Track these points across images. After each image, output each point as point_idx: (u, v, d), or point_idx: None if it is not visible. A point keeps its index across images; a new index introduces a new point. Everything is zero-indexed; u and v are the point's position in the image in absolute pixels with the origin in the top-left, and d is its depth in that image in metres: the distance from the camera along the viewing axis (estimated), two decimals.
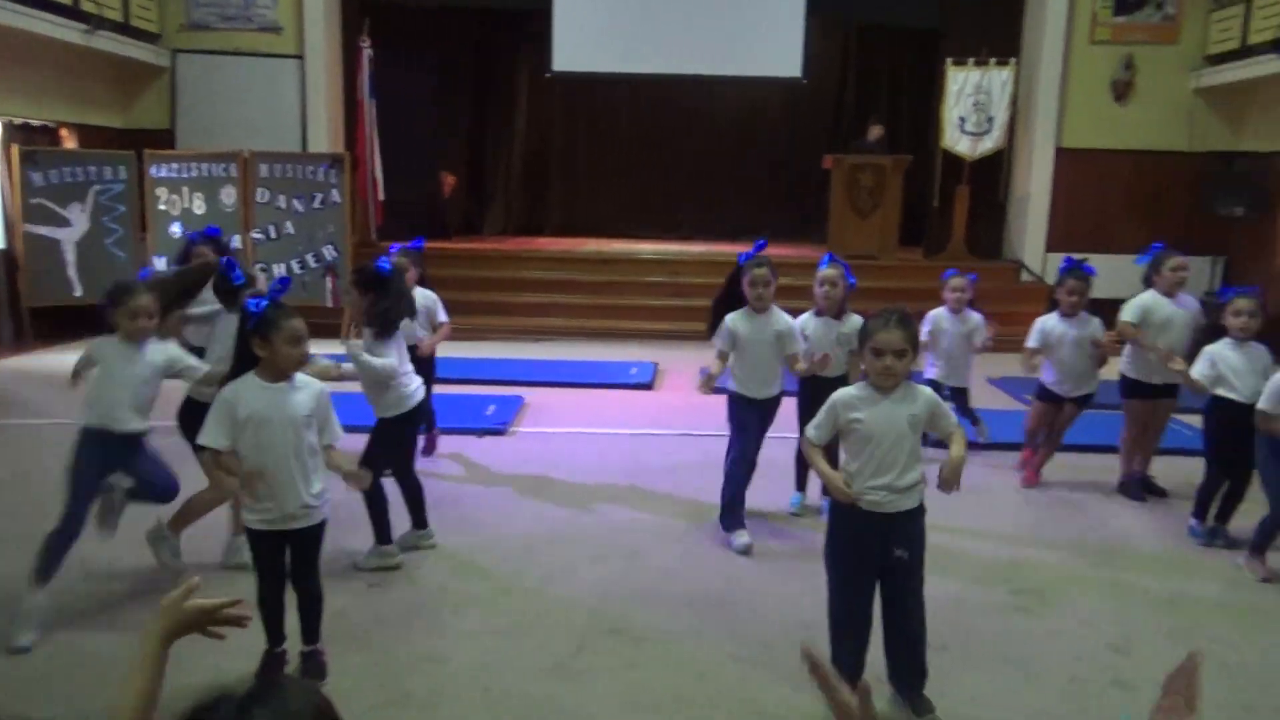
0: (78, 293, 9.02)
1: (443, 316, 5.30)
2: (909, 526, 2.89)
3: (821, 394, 4.22)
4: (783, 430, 4.49)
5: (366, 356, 3.86)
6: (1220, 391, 4.33)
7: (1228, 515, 4.47)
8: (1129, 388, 5.03)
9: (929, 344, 5.49)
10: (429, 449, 5.45)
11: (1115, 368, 5.11)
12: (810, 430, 3.02)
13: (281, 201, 9.33)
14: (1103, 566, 4.18)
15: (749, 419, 4.33)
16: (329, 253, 9.37)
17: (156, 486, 3.63)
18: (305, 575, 3.15)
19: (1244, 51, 9.44)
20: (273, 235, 9.36)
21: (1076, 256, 5.20)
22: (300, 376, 3.07)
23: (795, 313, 4.56)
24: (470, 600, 3.73)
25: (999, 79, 10.33)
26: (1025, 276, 10.56)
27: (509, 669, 3.21)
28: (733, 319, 4.29)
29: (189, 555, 3.80)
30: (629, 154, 13.18)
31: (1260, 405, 3.99)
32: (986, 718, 2.98)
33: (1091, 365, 4.99)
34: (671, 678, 3.17)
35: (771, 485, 4.73)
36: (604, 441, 5.98)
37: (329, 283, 9.33)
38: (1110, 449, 5.37)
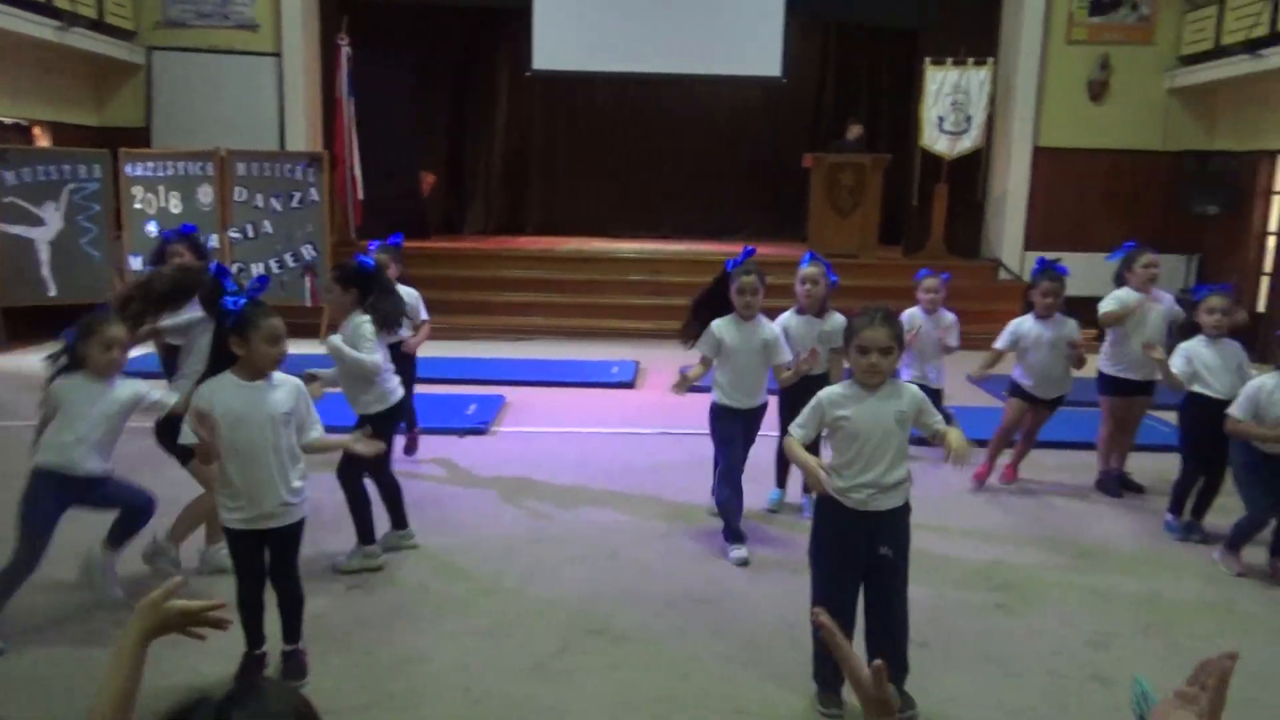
0: (52, 292, 8.90)
1: (424, 315, 5.27)
2: (894, 524, 2.91)
3: (804, 392, 4.24)
4: (764, 428, 4.49)
5: (350, 349, 3.82)
6: (1195, 388, 4.39)
7: (1203, 511, 4.53)
8: (1107, 385, 5.08)
9: (908, 344, 5.49)
10: (410, 448, 5.42)
11: (1093, 365, 5.16)
12: (794, 429, 3.02)
13: (259, 200, 9.25)
14: (1081, 563, 4.22)
15: (733, 430, 4.21)
16: (308, 252, 9.29)
17: (131, 509, 3.47)
18: (285, 574, 3.14)
19: (1217, 52, 9.55)
20: (250, 234, 9.27)
21: (1050, 256, 5.16)
22: (278, 374, 3.04)
23: (777, 311, 4.56)
24: (451, 601, 3.72)
25: (977, 78, 10.40)
26: (1003, 275, 10.65)
27: (490, 669, 3.20)
28: (719, 326, 4.19)
29: (187, 560, 3.78)
30: (609, 153, 13.16)
31: (1230, 410, 4.04)
32: (967, 714, 3.00)
33: (1067, 368, 4.95)
34: (654, 677, 3.17)
35: (751, 484, 4.71)
36: (585, 440, 5.98)
37: (307, 282, 9.26)
38: (1087, 446, 5.42)
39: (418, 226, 11.02)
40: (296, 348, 3.33)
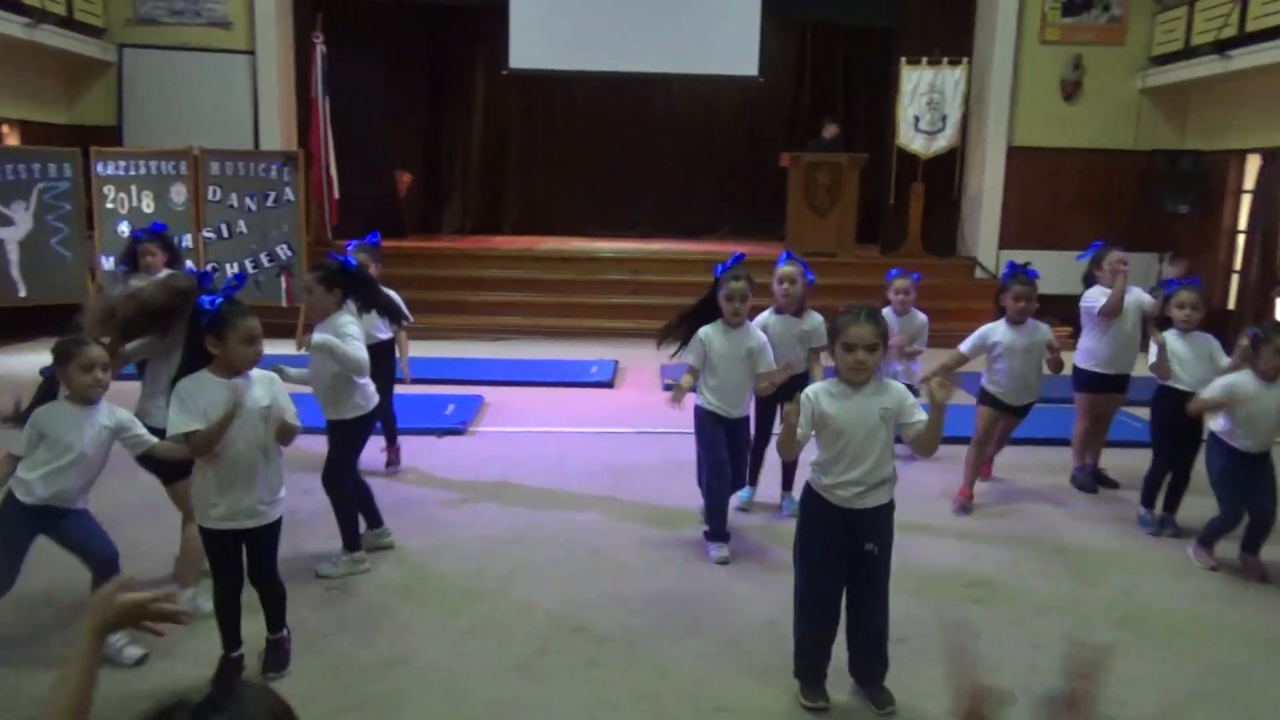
0: (22, 293, 8.78)
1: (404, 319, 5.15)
2: (879, 521, 2.93)
3: (780, 392, 4.26)
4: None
5: (341, 344, 3.69)
6: (1169, 381, 4.46)
7: (1175, 505, 4.59)
8: (1083, 381, 5.12)
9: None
10: (391, 462, 5.26)
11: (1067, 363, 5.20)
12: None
13: (234, 200, 9.16)
14: (1056, 558, 4.27)
15: (718, 434, 4.14)
16: (283, 252, 9.22)
17: (93, 557, 3.17)
18: (265, 575, 3.13)
19: (1187, 52, 9.67)
20: (225, 234, 9.18)
21: (1020, 259, 4.98)
22: (254, 370, 3.02)
23: (755, 311, 4.55)
24: (431, 602, 3.70)
25: (952, 78, 10.48)
26: (979, 273, 10.73)
27: (471, 670, 3.18)
28: (707, 333, 4.10)
29: (159, 569, 3.73)
30: (587, 152, 13.15)
31: (1202, 393, 4.10)
32: (946, 708, 3.01)
33: (1040, 374, 4.79)
34: (634, 676, 3.17)
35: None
36: (565, 440, 5.97)
37: (283, 282, 9.18)
38: (1061, 442, 5.48)
39: (394, 226, 10.96)
40: (272, 348, 3.29)
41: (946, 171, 10.88)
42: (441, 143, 13.27)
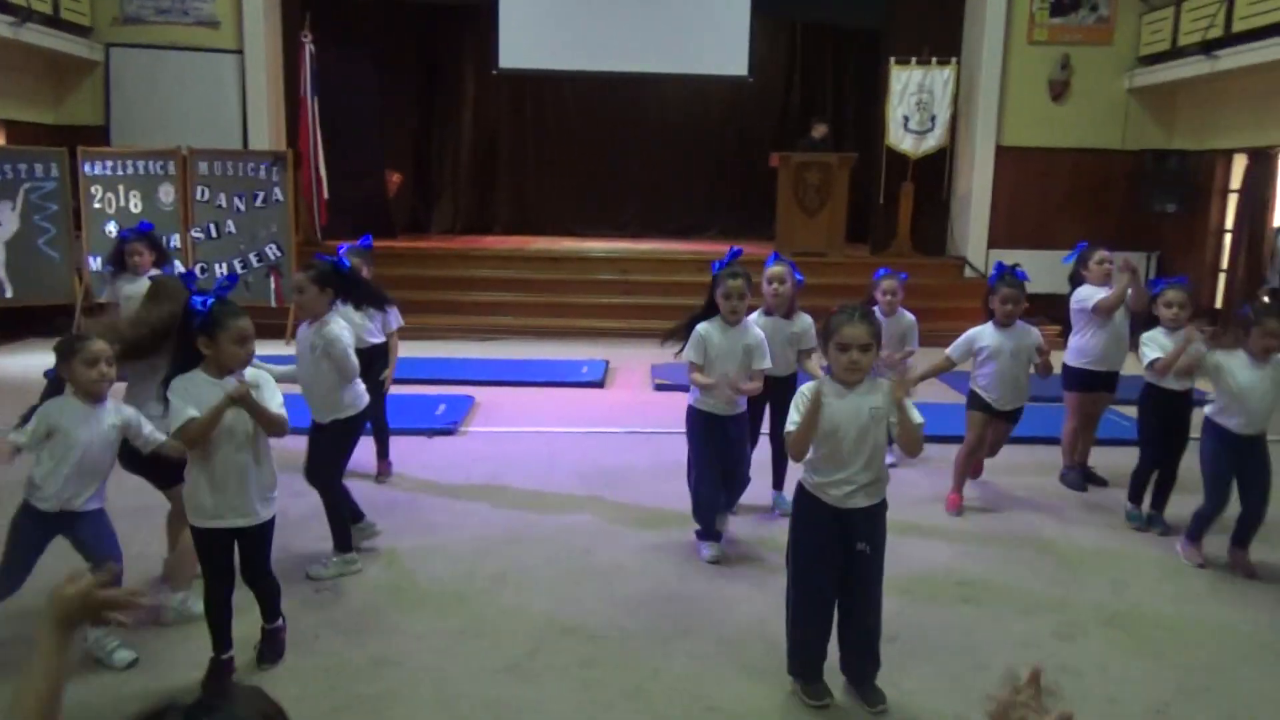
0: (9, 294, 8.75)
1: (395, 323, 5.01)
2: (872, 521, 2.93)
3: (770, 393, 4.26)
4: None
5: (341, 346, 3.72)
6: (1151, 379, 4.49)
7: (1163, 503, 4.62)
8: (1073, 379, 5.14)
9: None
10: (382, 474, 5.17)
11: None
12: (792, 426, 2.90)
13: (222, 200, 9.13)
14: (1045, 556, 4.28)
15: (708, 436, 4.08)
16: (272, 252, 9.19)
17: (95, 561, 3.11)
18: (260, 575, 3.13)
19: (1174, 53, 9.73)
20: (213, 234, 9.15)
21: (1009, 261, 4.91)
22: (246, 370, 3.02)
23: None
24: (422, 602, 3.69)
25: (941, 78, 10.52)
26: (968, 273, 10.77)
27: (463, 670, 3.18)
28: (706, 329, 4.03)
29: (152, 569, 3.70)
30: (577, 152, 13.14)
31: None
32: (937, 706, 3.03)
33: (1028, 378, 4.72)
34: (626, 676, 3.17)
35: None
36: (556, 440, 5.96)
37: (272, 282, 9.16)
38: (1050, 441, 5.50)
39: (384, 226, 10.95)
40: (261, 349, 3.28)
41: (936, 171, 10.92)
42: (431, 142, 13.24)
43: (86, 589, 1.47)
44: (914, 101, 10.57)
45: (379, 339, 4.88)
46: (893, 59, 10.60)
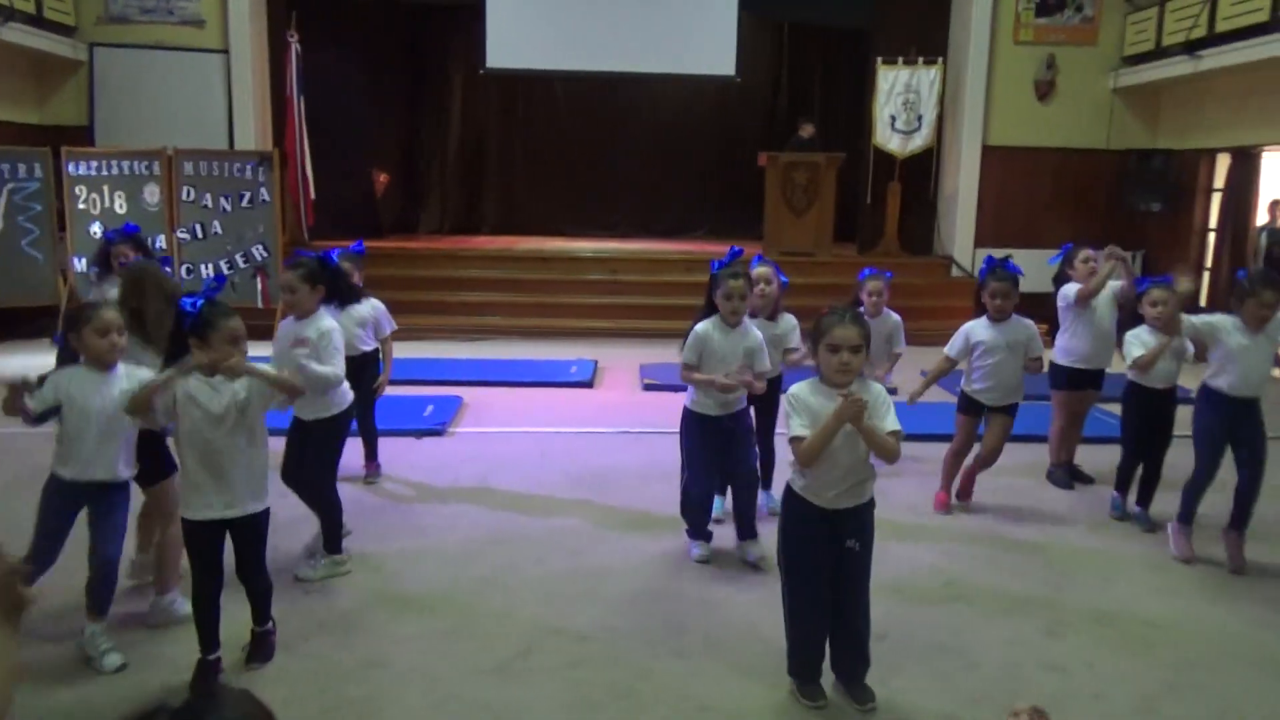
0: None
1: (388, 328, 4.95)
2: (860, 519, 2.94)
3: (755, 394, 4.24)
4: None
5: (315, 366, 3.68)
6: (1135, 378, 4.53)
7: (1148, 500, 4.65)
8: (1060, 377, 5.17)
9: None
10: (371, 474, 5.15)
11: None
12: (798, 430, 2.86)
13: (208, 200, 9.09)
14: (1033, 554, 4.30)
15: (703, 440, 3.99)
16: (258, 252, 9.15)
17: (95, 550, 3.15)
18: (253, 571, 3.12)
19: (1158, 53, 9.80)
20: (199, 235, 9.11)
21: (999, 254, 4.82)
22: None
23: None
24: (411, 604, 3.68)
25: (927, 78, 10.56)
26: (955, 272, 10.82)
27: (451, 671, 3.17)
28: (706, 329, 3.92)
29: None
30: (565, 151, 13.13)
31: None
32: (926, 703, 3.04)
33: (1022, 375, 4.64)
34: (616, 675, 3.17)
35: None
36: (544, 440, 5.95)
37: (259, 283, 9.11)
38: (1037, 439, 5.52)
39: (371, 226, 10.92)
40: (250, 349, 3.26)
41: (923, 171, 10.96)
42: (419, 142, 13.19)
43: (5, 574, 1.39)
44: (901, 101, 10.60)
45: (370, 346, 4.85)
46: (880, 59, 10.64)
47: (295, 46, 10.04)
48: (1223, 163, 9.65)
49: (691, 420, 4.05)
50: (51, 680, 3.05)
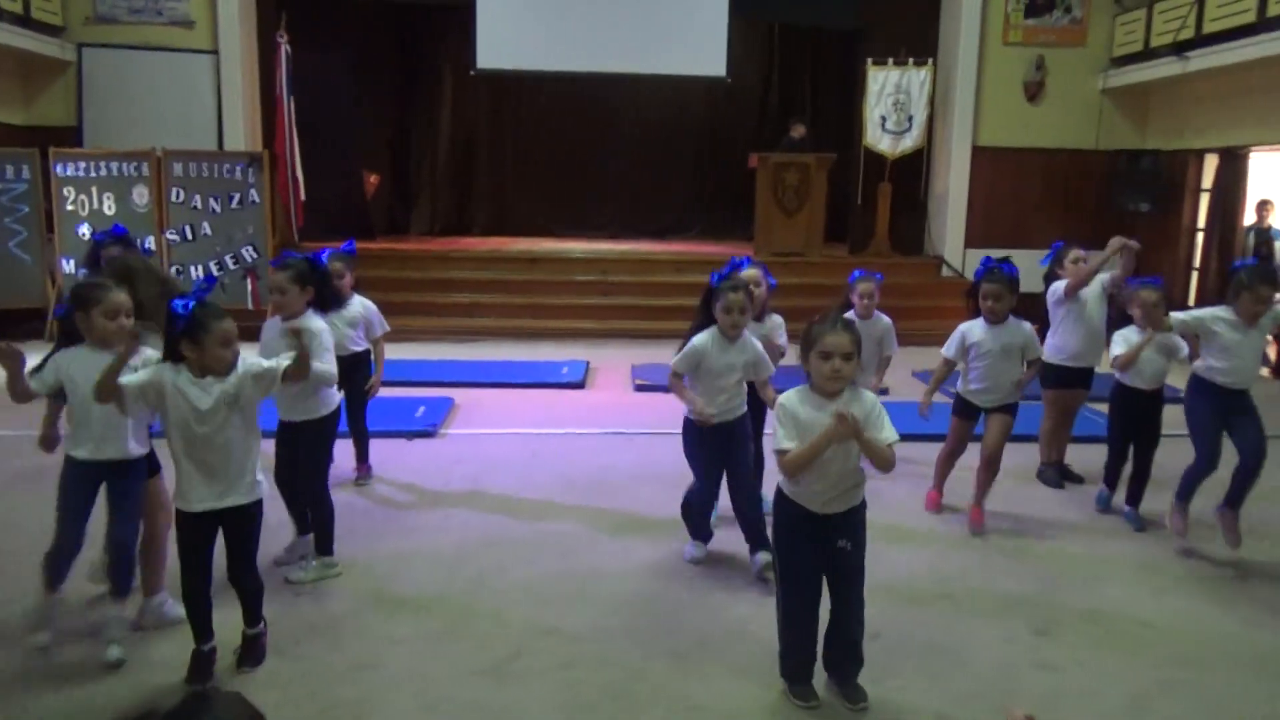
0: None
1: (379, 329, 4.91)
2: (852, 521, 2.94)
3: (750, 395, 4.24)
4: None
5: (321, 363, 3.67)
6: (1123, 379, 4.55)
7: (1138, 498, 4.67)
8: (1050, 376, 5.18)
9: None
10: (362, 476, 5.12)
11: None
12: (783, 443, 2.86)
13: (197, 201, 9.06)
14: (1023, 553, 4.31)
15: (704, 448, 3.93)
16: (248, 254, 9.12)
17: (112, 530, 3.19)
18: (244, 571, 3.10)
19: (1147, 54, 9.84)
20: (189, 236, 9.07)
21: (998, 255, 4.70)
22: None
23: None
24: (402, 606, 3.67)
25: (917, 79, 10.59)
26: (946, 272, 10.85)
27: (443, 673, 3.16)
28: (703, 343, 3.82)
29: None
30: (556, 152, 13.11)
31: (1175, 316, 4.26)
32: (919, 702, 3.04)
33: (1017, 380, 4.51)
34: (608, 676, 3.17)
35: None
36: (536, 441, 5.95)
37: (249, 284, 9.08)
38: (1027, 438, 5.53)
39: (362, 227, 10.89)
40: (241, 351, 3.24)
41: (913, 171, 10.99)
42: (409, 143, 13.17)
43: None
44: (891, 102, 10.63)
45: (361, 346, 4.83)
46: (870, 60, 10.66)
47: (285, 47, 10.00)
48: (1211, 163, 9.70)
49: (691, 428, 3.98)
50: (51, 680, 3.04)
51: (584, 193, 13.07)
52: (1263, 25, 8.05)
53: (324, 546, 3.89)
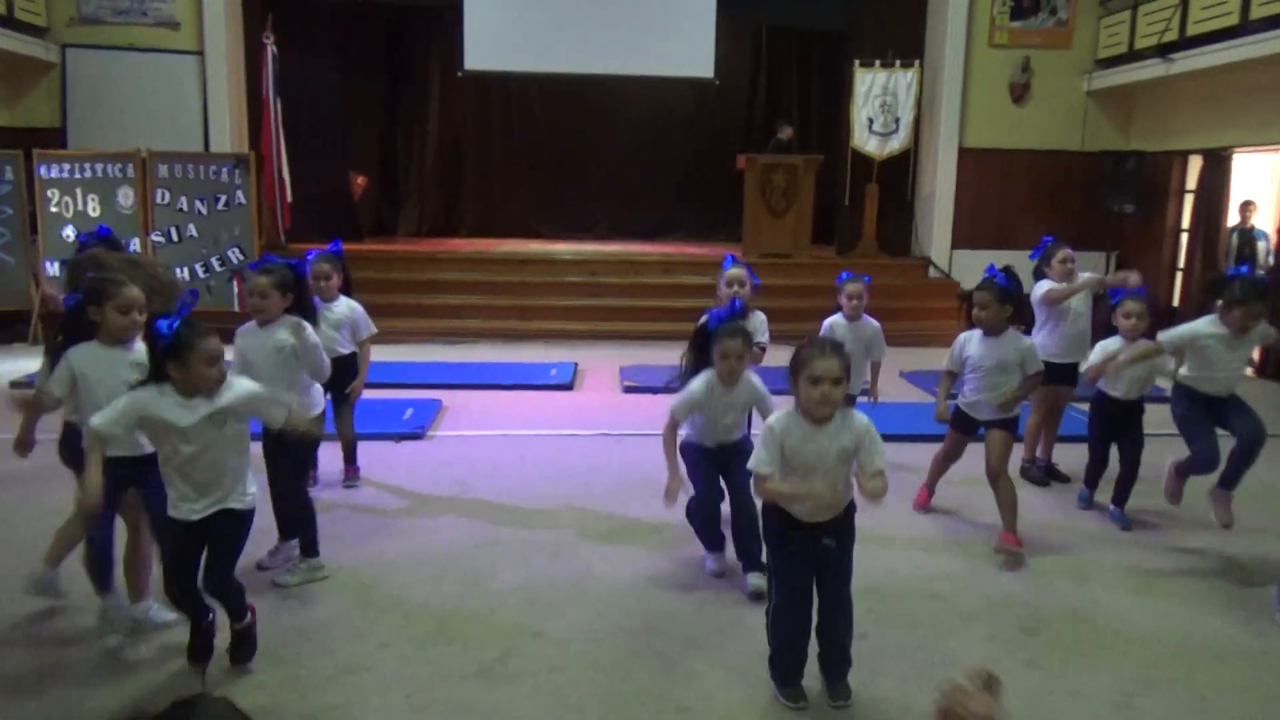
0: None
1: (365, 332, 4.87)
2: (840, 524, 2.96)
3: None
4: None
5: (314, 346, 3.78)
6: (1103, 387, 4.60)
7: (1124, 499, 4.70)
8: None
9: None
10: (349, 478, 5.09)
11: None
12: (762, 467, 2.85)
13: (183, 203, 9.01)
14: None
15: (706, 464, 3.89)
16: (234, 255, 9.08)
17: (157, 513, 3.17)
18: (219, 584, 3.05)
19: (1131, 56, 9.91)
20: (174, 238, 9.03)
21: (999, 262, 4.46)
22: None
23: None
24: (391, 609, 3.66)
25: (904, 80, 10.63)
26: (933, 273, 10.90)
27: (432, 676, 3.16)
28: (700, 389, 3.70)
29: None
30: (544, 154, 13.12)
31: (1162, 335, 4.28)
32: (907, 701, 3.05)
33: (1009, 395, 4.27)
34: (596, 677, 3.17)
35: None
36: (524, 443, 5.94)
37: (235, 286, 9.04)
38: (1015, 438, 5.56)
39: (349, 229, 10.86)
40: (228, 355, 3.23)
41: (900, 173, 11.03)
42: (396, 144, 13.14)
43: None
44: (878, 104, 10.67)
45: (347, 349, 4.81)
46: (857, 61, 10.70)
47: (271, 48, 9.96)
48: (1195, 164, 9.77)
49: (692, 451, 3.93)
50: (50, 681, 3.02)
51: (572, 194, 13.06)
52: (1246, 28, 8.12)
53: (309, 549, 3.88)
